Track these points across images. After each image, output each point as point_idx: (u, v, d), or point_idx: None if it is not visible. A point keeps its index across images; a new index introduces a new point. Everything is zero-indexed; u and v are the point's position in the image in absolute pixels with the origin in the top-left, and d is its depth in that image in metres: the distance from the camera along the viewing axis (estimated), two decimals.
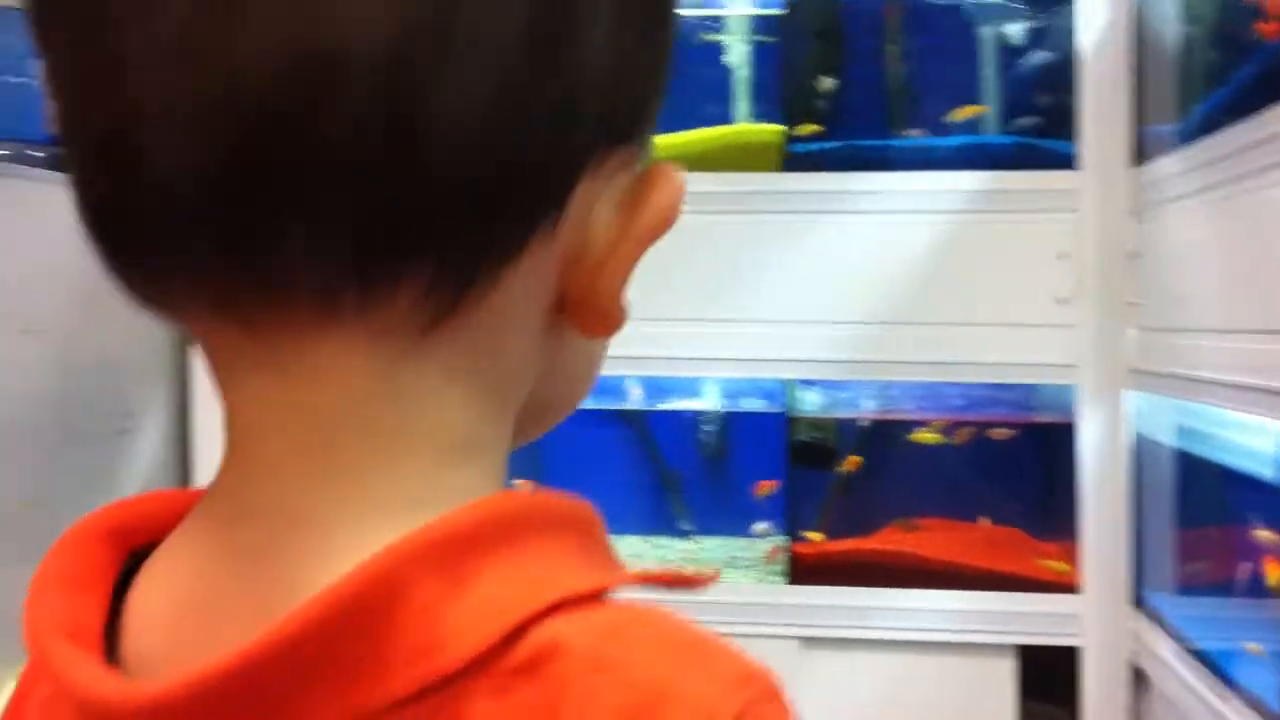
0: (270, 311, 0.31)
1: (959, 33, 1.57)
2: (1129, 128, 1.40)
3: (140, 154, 0.30)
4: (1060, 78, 1.44)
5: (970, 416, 1.58)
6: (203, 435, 1.50)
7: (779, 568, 1.56)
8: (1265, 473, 1.09)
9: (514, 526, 0.32)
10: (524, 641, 0.30)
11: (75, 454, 1.36)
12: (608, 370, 0.40)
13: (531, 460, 1.52)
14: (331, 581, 0.30)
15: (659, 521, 1.63)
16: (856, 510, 1.60)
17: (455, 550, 0.31)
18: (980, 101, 1.55)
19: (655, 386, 1.64)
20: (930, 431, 1.58)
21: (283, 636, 0.30)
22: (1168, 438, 1.39)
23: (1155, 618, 1.39)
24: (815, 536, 1.57)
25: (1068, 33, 1.44)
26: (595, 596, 0.32)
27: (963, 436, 1.58)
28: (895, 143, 1.56)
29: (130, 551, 0.36)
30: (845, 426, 1.63)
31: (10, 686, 0.39)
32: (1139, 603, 1.43)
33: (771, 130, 1.54)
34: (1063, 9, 1.46)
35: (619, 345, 0.40)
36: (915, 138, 1.56)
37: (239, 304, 0.31)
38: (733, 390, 1.64)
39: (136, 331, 1.46)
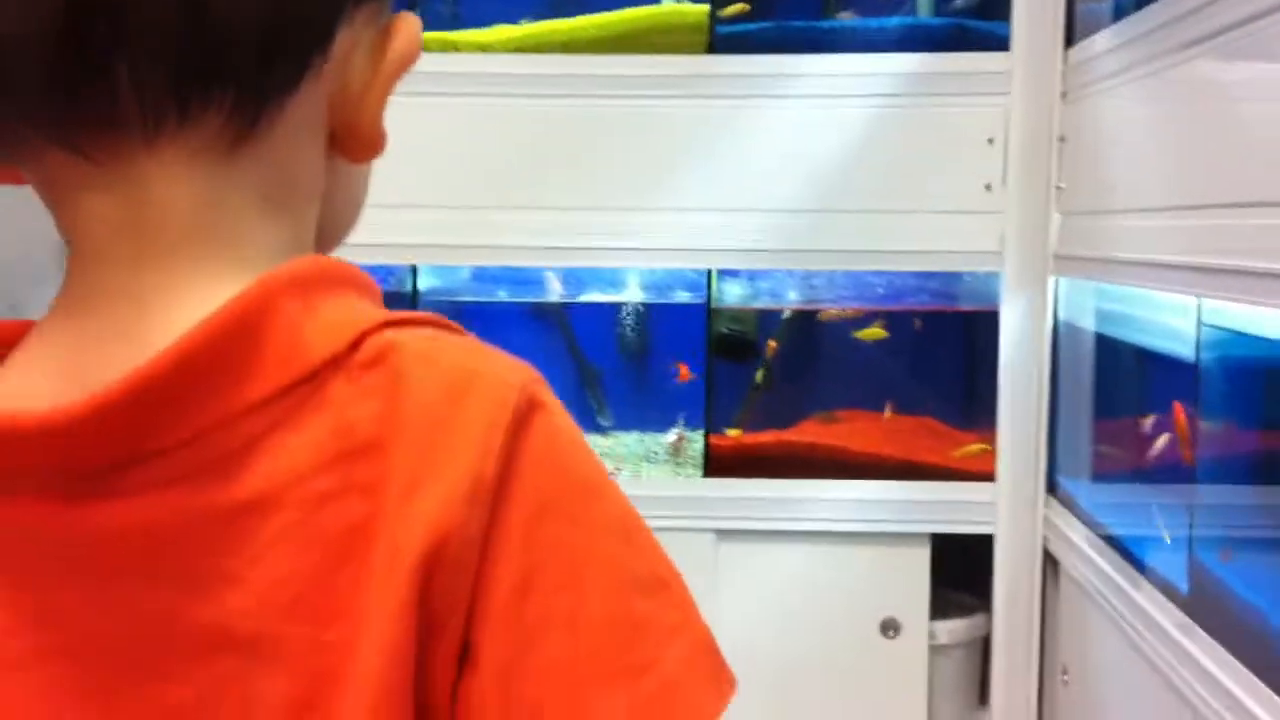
0: (103, 138, 0.39)
1: None
2: (1062, 6, 1.37)
3: None
4: None
5: (893, 306, 1.57)
6: None
7: (695, 460, 1.54)
8: (1186, 353, 1.09)
9: (339, 276, 0.42)
10: (366, 345, 0.40)
11: None
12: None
13: None
14: (198, 319, 0.38)
15: (578, 417, 1.60)
16: (776, 403, 1.59)
17: (305, 285, 0.40)
18: None
19: (575, 278, 1.60)
20: (877, 328, 1.56)
21: (180, 351, 0.37)
22: (1089, 324, 1.39)
23: (1070, 504, 1.40)
24: (734, 432, 1.56)
25: None
26: (401, 325, 0.42)
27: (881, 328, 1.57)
28: (825, 24, 1.52)
29: None
30: (768, 318, 1.61)
31: None
32: (1054, 490, 1.44)
33: (696, 10, 1.49)
34: None
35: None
36: (846, 19, 1.53)
37: (77, 134, 0.39)
38: (654, 283, 1.61)
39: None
